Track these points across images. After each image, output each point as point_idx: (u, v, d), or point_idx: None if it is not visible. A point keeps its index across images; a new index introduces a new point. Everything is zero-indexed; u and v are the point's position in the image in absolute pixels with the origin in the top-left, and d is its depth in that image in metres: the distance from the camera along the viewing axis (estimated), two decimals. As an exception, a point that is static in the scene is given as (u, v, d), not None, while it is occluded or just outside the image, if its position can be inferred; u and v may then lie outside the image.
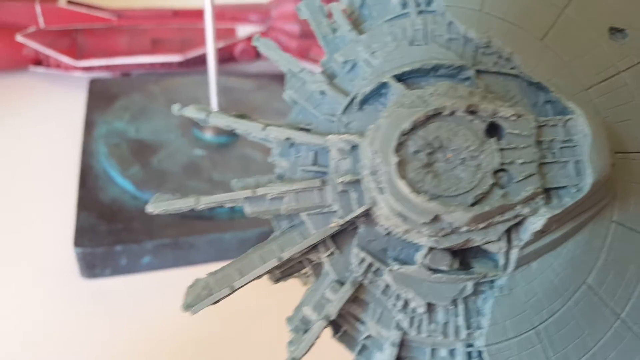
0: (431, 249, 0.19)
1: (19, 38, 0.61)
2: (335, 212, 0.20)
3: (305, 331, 0.20)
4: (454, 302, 0.20)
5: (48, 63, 0.64)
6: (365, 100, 0.21)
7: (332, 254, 0.20)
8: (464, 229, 0.18)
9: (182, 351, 0.41)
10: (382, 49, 0.21)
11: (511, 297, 0.19)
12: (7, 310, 0.43)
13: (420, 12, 0.22)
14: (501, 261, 0.19)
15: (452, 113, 0.19)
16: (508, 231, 0.19)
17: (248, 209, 0.20)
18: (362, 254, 0.20)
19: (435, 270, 0.19)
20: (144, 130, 0.54)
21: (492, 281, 0.20)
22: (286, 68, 0.22)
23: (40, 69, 0.64)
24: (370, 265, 0.20)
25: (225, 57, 0.66)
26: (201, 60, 0.65)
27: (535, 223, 0.18)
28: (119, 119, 0.55)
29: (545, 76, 0.20)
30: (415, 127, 0.19)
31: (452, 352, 0.20)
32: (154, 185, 0.48)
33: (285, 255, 0.20)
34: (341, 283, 0.20)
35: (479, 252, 0.20)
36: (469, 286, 0.19)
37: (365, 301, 0.20)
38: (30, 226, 0.49)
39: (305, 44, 0.65)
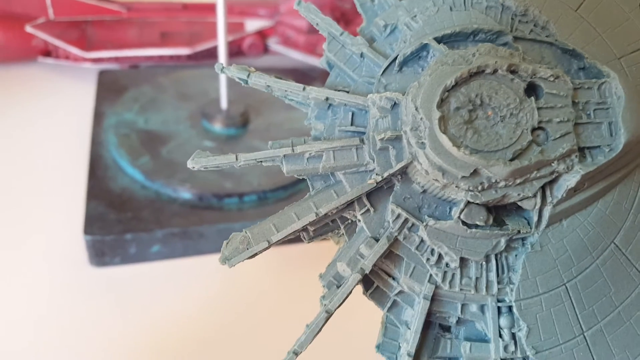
0: (468, 203, 0.19)
1: (29, 29, 0.61)
2: (372, 170, 0.20)
3: (339, 286, 0.20)
4: (487, 257, 0.20)
5: (57, 54, 0.64)
6: (405, 62, 0.21)
7: (367, 211, 0.20)
8: (502, 184, 0.19)
9: (191, 339, 0.41)
10: (423, 13, 0.22)
11: (542, 253, 0.20)
12: (17, 297, 0.43)
13: None
14: (534, 218, 0.20)
15: (494, 72, 0.19)
16: (542, 188, 0.19)
17: (286, 167, 0.21)
18: (398, 210, 0.20)
19: (471, 225, 0.19)
20: (154, 121, 0.54)
21: (523, 238, 0.20)
22: (326, 31, 0.23)
23: (49, 60, 0.64)
24: (405, 220, 0.20)
25: (234, 51, 0.67)
26: (209, 54, 0.66)
27: (570, 180, 0.19)
28: (128, 110, 0.55)
29: (579, 44, 0.21)
30: (457, 84, 0.19)
31: (482, 308, 0.20)
32: (164, 175, 0.48)
33: (323, 210, 0.20)
34: (376, 239, 0.20)
35: (511, 209, 0.20)
36: (502, 242, 0.20)
37: (399, 256, 0.20)
38: (41, 215, 0.49)
39: (312, 38, 0.65)
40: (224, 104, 0.54)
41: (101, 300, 0.43)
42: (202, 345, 0.41)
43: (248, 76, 0.21)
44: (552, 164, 0.19)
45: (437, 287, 0.20)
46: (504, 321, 0.20)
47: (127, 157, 0.50)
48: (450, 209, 0.20)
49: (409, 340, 0.20)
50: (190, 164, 0.21)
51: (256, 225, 0.20)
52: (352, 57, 0.22)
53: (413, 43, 0.21)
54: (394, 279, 0.21)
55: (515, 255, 0.20)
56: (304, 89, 0.21)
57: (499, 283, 0.20)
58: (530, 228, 0.20)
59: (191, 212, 0.47)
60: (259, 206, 0.48)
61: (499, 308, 0.20)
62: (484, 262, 0.20)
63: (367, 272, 0.20)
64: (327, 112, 0.21)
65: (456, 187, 0.19)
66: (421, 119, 0.19)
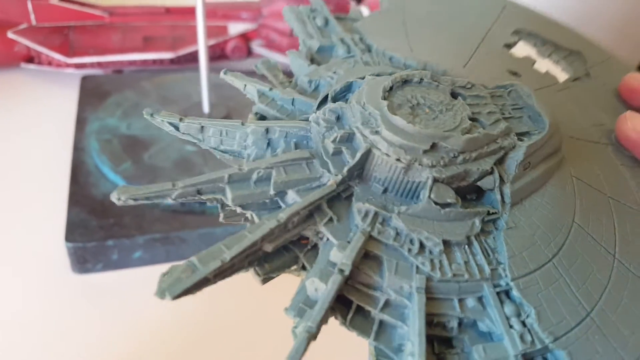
0: (434, 182, 0.19)
1: (11, 35, 0.61)
2: (325, 184, 0.20)
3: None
4: (469, 240, 0.19)
5: (40, 60, 0.64)
6: (335, 99, 0.23)
7: (330, 220, 0.19)
8: (460, 158, 0.20)
9: (174, 346, 0.41)
10: (342, 68, 0.25)
11: (518, 230, 0.20)
12: (-2, 304, 0.43)
13: (364, 53, 0.26)
14: (498, 197, 0.21)
15: (421, 81, 0.22)
16: (497, 170, 0.21)
17: (231, 194, 0.19)
18: (366, 206, 0.19)
19: (443, 205, 0.19)
20: (136, 127, 0.54)
21: (495, 221, 0.21)
22: (255, 90, 0.24)
23: (31, 66, 0.64)
24: (375, 215, 0.19)
25: (217, 54, 0.67)
26: (192, 58, 0.66)
27: (517, 155, 0.21)
28: (110, 115, 0.55)
29: None
30: (393, 87, 0.21)
31: (480, 301, 0.19)
32: (146, 180, 0.48)
33: (284, 215, 0.18)
34: (347, 242, 0.19)
35: (472, 200, 0.21)
36: (477, 222, 0.20)
37: (377, 258, 0.19)
38: (22, 222, 0.49)
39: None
40: (205, 107, 0.54)
41: (83, 307, 0.43)
42: (185, 352, 0.41)
43: (180, 120, 0.22)
44: (497, 141, 0.21)
45: (428, 279, 0.18)
46: (508, 309, 0.18)
47: (109, 163, 0.50)
48: (415, 200, 0.20)
49: (414, 352, 0.17)
50: (114, 197, 0.18)
51: (203, 251, 0.18)
52: (283, 106, 0.24)
53: (340, 83, 0.23)
54: (376, 289, 0.18)
55: (494, 238, 0.20)
56: (242, 123, 0.22)
57: (489, 264, 0.19)
58: (497, 208, 0.21)
59: (173, 218, 0.46)
60: (241, 210, 0.48)
61: (498, 294, 0.19)
62: (467, 246, 0.19)
63: (346, 273, 0.18)
64: (266, 151, 0.22)
65: (419, 165, 0.19)
66: (369, 113, 0.20)
